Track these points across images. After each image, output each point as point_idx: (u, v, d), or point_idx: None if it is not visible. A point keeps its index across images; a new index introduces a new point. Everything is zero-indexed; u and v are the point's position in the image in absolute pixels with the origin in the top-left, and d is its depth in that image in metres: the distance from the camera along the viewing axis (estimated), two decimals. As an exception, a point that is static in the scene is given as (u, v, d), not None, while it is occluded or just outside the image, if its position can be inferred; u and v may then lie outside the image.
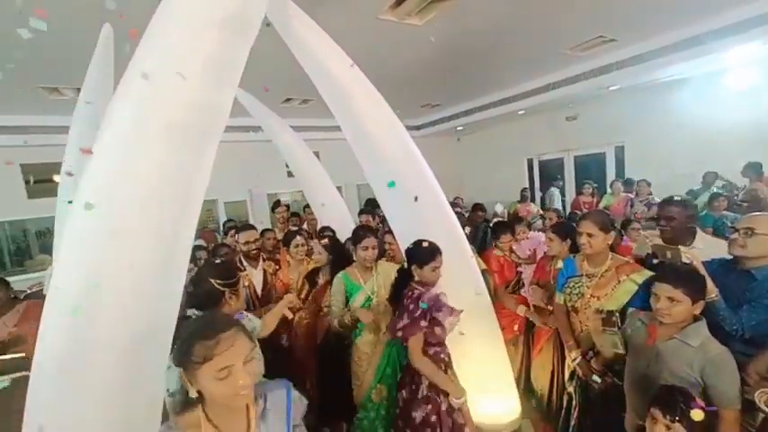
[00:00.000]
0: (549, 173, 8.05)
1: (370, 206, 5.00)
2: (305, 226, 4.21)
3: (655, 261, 1.77)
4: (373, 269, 2.29)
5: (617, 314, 1.61)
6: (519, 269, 2.65)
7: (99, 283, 1.15)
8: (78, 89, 4.25)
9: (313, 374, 2.56)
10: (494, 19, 3.66)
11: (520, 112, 6.94)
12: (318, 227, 3.59)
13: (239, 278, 1.53)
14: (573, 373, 1.96)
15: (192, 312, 1.32)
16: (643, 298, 1.66)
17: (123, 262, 1.19)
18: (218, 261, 1.84)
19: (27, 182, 5.50)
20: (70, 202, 2.46)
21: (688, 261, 1.61)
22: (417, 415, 1.75)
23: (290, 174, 7.37)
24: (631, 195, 5.02)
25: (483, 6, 3.35)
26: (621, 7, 3.67)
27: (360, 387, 2.21)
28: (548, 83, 6.01)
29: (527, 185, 7.70)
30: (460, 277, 2.14)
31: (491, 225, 3.10)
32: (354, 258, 2.33)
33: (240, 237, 2.68)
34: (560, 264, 2.27)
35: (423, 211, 2.15)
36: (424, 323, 1.72)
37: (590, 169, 7.17)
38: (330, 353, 2.44)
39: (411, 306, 1.75)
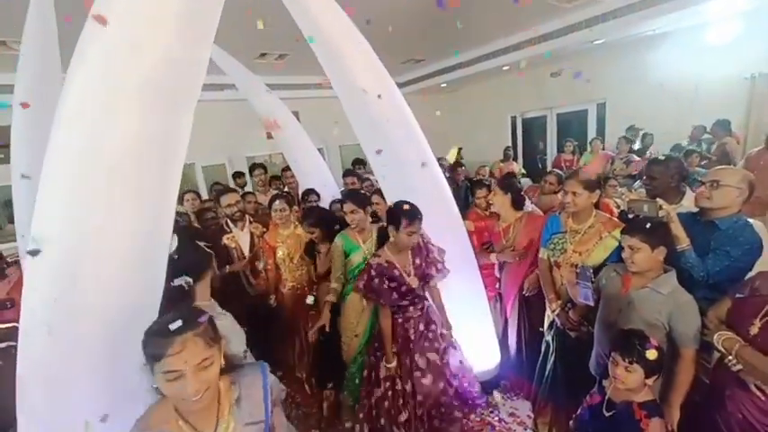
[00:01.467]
0: (533, 131, 8.05)
1: (361, 165, 4.95)
2: (286, 189, 4.16)
3: (630, 216, 1.84)
4: (373, 231, 2.30)
5: (590, 268, 1.70)
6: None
7: (80, 255, 1.11)
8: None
9: (303, 336, 2.64)
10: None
11: (504, 68, 6.77)
12: (300, 189, 3.54)
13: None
14: (552, 323, 2.08)
15: (182, 281, 1.29)
16: (619, 253, 1.75)
17: (105, 233, 1.14)
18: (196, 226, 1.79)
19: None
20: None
21: (663, 215, 1.67)
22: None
23: (269, 135, 7.16)
24: (611, 153, 5.10)
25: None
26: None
27: (350, 344, 2.28)
28: (533, 36, 5.84)
29: (510, 144, 7.69)
30: (450, 240, 2.18)
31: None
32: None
33: (222, 200, 2.68)
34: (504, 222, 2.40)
35: (412, 175, 2.14)
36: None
37: (572, 127, 7.20)
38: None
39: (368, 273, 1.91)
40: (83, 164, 1.10)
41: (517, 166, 6.08)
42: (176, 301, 1.27)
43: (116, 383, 1.20)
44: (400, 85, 8.27)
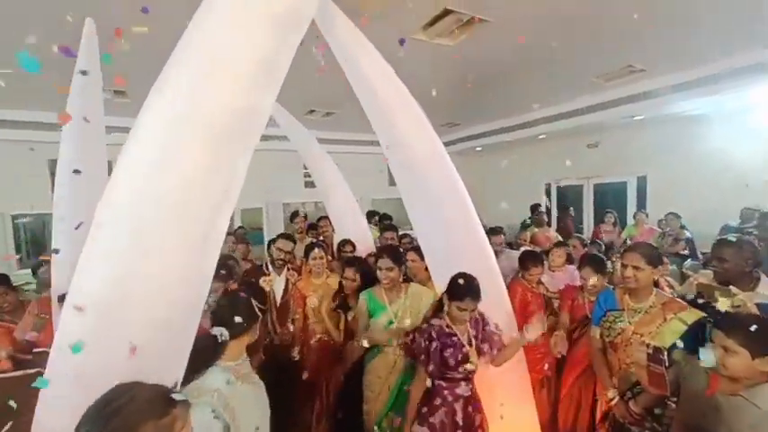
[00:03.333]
0: (567, 200, 7.92)
1: (375, 215, 4.96)
2: (321, 238, 4.17)
3: (700, 301, 1.67)
4: (402, 291, 2.19)
5: (665, 351, 1.50)
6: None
7: (123, 287, 1.09)
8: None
9: (324, 395, 2.46)
10: (524, 44, 3.65)
11: (541, 137, 6.89)
12: (335, 240, 3.54)
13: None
14: (606, 414, 1.83)
15: (219, 332, 1.22)
16: (690, 339, 1.55)
17: (150, 268, 1.12)
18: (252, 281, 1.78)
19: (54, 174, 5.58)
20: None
21: (739, 304, 1.50)
22: None
23: (307, 184, 7.44)
24: (657, 228, 4.87)
25: (514, 30, 3.35)
26: (653, 39, 3.65)
27: (369, 414, 2.10)
28: (572, 109, 5.99)
29: (543, 209, 7.54)
30: (491, 308, 2.01)
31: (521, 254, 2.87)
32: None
33: (278, 243, 2.72)
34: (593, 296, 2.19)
35: (456, 234, 2.06)
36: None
37: (610, 199, 7.03)
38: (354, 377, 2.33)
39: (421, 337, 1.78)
40: (140, 201, 1.11)
41: (554, 234, 5.87)
42: (206, 351, 1.20)
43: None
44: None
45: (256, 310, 1.32)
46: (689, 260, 3.91)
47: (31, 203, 5.37)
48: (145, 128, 1.13)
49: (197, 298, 1.23)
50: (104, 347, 1.07)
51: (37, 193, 5.23)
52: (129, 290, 1.09)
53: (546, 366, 2.28)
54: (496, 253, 2.91)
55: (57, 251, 2.09)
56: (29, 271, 3.88)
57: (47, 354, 1.71)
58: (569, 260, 2.81)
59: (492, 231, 3.38)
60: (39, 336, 2.32)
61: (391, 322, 2.10)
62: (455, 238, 2.06)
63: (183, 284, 1.17)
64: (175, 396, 0.73)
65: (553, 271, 2.62)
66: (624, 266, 1.76)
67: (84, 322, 1.07)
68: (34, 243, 6.10)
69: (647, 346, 1.56)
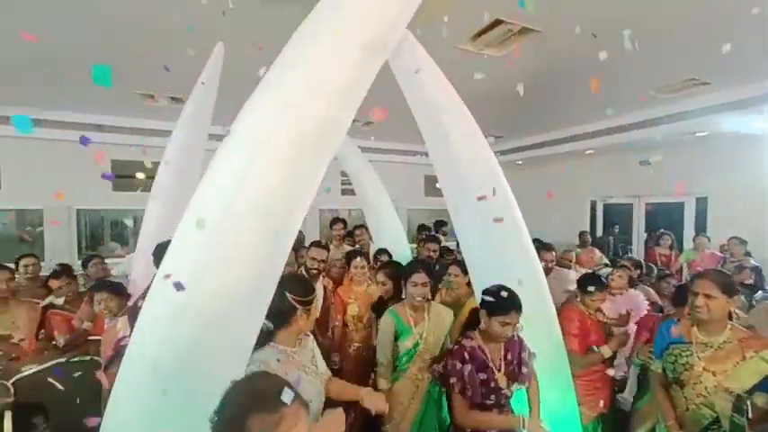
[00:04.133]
0: (614, 219, 7.49)
1: (426, 231, 4.88)
2: (357, 246, 4.18)
3: None
4: (426, 311, 2.10)
5: (747, 399, 1.35)
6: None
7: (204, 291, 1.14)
8: (171, 98, 4.73)
9: (358, 406, 2.42)
10: (576, 55, 3.52)
11: (588, 152, 6.59)
12: (371, 249, 3.54)
13: (315, 297, 1.47)
14: None
15: (263, 325, 1.28)
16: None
17: (231, 269, 1.17)
18: (297, 274, 1.81)
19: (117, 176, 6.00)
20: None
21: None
22: None
23: (344, 191, 7.54)
24: (720, 254, 4.47)
25: (566, 42, 3.24)
26: (717, 50, 3.39)
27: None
28: (624, 123, 5.69)
29: (587, 229, 7.18)
30: (537, 332, 1.87)
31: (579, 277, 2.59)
32: (403, 295, 2.14)
33: (312, 251, 2.68)
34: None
35: (504, 248, 1.98)
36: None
37: (663, 219, 6.56)
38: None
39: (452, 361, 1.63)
40: (225, 203, 1.17)
41: (598, 254, 5.56)
42: (258, 341, 1.27)
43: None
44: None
45: (293, 302, 1.37)
46: (760, 291, 3.54)
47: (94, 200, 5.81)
48: (238, 137, 1.22)
49: (268, 289, 1.27)
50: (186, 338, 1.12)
51: (99, 192, 5.69)
52: (213, 275, 1.15)
53: (601, 403, 2.11)
54: (546, 271, 2.83)
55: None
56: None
57: (98, 342, 1.82)
58: (631, 283, 2.61)
59: (543, 247, 3.17)
60: (92, 325, 2.48)
61: (417, 344, 2.02)
62: (503, 251, 1.98)
63: (258, 275, 1.22)
64: (285, 395, 0.72)
65: (613, 295, 2.41)
66: (695, 294, 1.59)
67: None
68: (93, 237, 6.57)
69: (730, 392, 1.41)
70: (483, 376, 1.60)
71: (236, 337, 1.18)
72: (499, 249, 1.98)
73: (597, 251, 5.65)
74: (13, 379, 1.84)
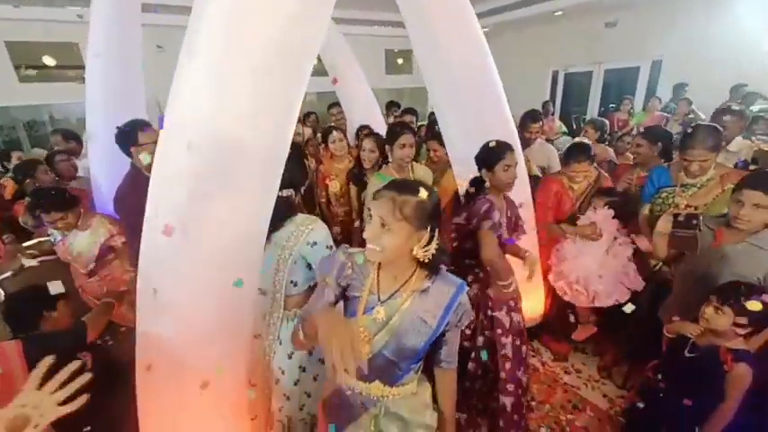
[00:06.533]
0: (574, 88, 7.59)
1: (395, 107, 4.74)
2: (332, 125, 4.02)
3: (752, 167, 1.70)
4: (409, 171, 2.19)
5: (700, 216, 1.61)
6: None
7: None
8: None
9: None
10: None
11: (557, 13, 6.23)
12: (347, 126, 3.41)
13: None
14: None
15: (289, 192, 1.32)
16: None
17: (238, 159, 1.10)
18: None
19: (18, 66, 4.92)
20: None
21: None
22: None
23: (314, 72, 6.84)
24: (666, 114, 4.80)
25: None
26: None
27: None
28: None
29: (548, 99, 7.29)
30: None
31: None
32: (390, 158, 2.19)
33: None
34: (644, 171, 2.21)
35: (485, 121, 1.98)
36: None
37: (620, 86, 6.74)
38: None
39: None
40: (212, 105, 1.06)
41: (558, 123, 5.77)
42: (282, 212, 1.30)
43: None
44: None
45: (306, 167, 1.45)
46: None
47: None
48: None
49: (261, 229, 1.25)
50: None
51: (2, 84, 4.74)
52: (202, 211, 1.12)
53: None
54: (528, 141, 2.79)
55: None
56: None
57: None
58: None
59: (531, 117, 2.89)
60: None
61: None
62: (482, 122, 1.98)
63: (247, 218, 1.19)
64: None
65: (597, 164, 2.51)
66: (689, 162, 1.73)
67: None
68: (10, 143, 5.56)
69: (676, 215, 1.66)
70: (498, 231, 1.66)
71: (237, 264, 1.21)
72: (476, 120, 1.97)
73: (557, 120, 5.85)
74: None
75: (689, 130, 1.76)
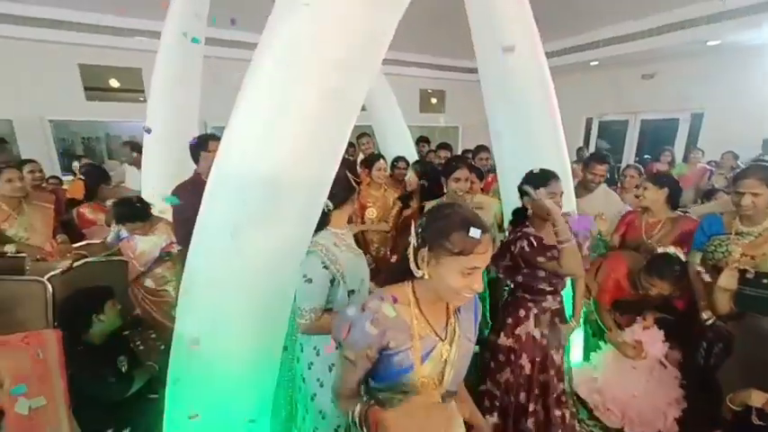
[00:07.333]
0: (609, 136, 7.53)
1: (424, 142, 4.85)
2: (360, 156, 4.12)
3: None
4: (470, 202, 2.19)
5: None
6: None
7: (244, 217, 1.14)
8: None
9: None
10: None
11: (593, 63, 6.34)
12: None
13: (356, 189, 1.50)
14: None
15: (324, 205, 1.30)
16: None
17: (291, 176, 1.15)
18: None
19: (87, 87, 5.38)
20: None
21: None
22: None
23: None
24: (709, 167, 4.65)
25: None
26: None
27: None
28: (632, 32, 5.41)
29: (582, 145, 7.25)
30: None
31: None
32: (444, 191, 2.19)
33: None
34: (652, 217, 2.16)
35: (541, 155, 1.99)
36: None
37: (656, 135, 6.64)
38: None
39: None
40: (273, 108, 1.11)
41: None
42: (318, 225, 1.30)
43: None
44: (470, 71, 8.10)
45: (352, 182, 1.41)
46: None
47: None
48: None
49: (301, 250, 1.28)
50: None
51: (71, 101, 5.19)
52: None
53: None
54: (590, 185, 2.56)
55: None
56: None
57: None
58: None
59: (597, 158, 2.63)
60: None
61: None
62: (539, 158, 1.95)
63: (289, 238, 1.23)
64: (473, 230, 0.81)
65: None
66: (740, 194, 1.66)
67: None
68: (66, 153, 6.05)
69: (744, 271, 1.55)
70: (542, 259, 1.57)
71: (279, 284, 1.22)
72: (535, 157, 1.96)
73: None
74: (48, 276, 1.84)
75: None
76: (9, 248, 2.06)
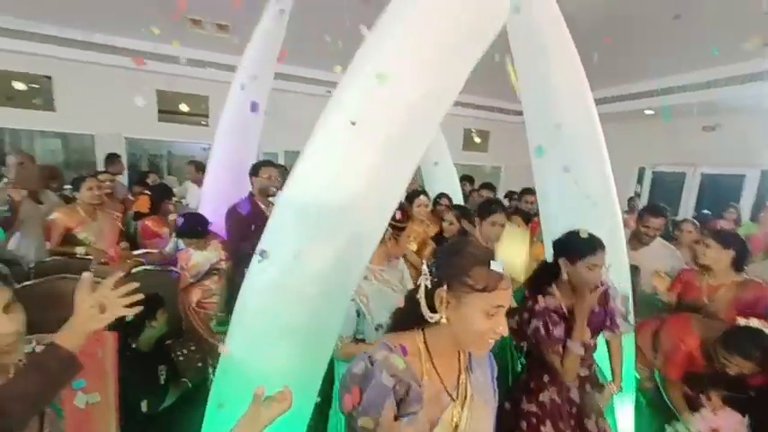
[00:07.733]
0: (664, 188, 7.12)
1: (467, 181, 4.86)
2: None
3: None
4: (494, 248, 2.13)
5: None
6: None
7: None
8: (218, 24, 4.58)
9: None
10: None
11: (647, 112, 6.15)
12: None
13: (406, 226, 1.51)
14: None
15: None
16: None
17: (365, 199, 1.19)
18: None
19: (161, 110, 5.97)
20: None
21: None
22: None
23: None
24: (782, 229, 4.24)
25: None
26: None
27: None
28: (693, 82, 5.23)
29: (633, 195, 6.90)
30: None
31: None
32: (476, 234, 2.14)
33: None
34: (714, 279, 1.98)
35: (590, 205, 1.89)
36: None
37: (717, 191, 6.20)
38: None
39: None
40: (352, 140, 1.17)
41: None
42: None
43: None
44: (518, 113, 8.15)
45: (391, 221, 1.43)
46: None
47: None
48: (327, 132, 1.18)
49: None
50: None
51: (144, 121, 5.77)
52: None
53: None
54: (643, 239, 2.41)
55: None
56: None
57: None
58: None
59: (652, 210, 2.48)
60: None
61: None
62: (587, 209, 1.90)
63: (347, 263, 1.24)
64: (495, 263, 0.77)
65: None
66: None
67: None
68: (133, 167, 6.63)
69: None
70: (549, 350, 1.42)
71: (322, 320, 1.23)
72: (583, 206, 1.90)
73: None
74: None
75: None
76: (79, 251, 2.26)
